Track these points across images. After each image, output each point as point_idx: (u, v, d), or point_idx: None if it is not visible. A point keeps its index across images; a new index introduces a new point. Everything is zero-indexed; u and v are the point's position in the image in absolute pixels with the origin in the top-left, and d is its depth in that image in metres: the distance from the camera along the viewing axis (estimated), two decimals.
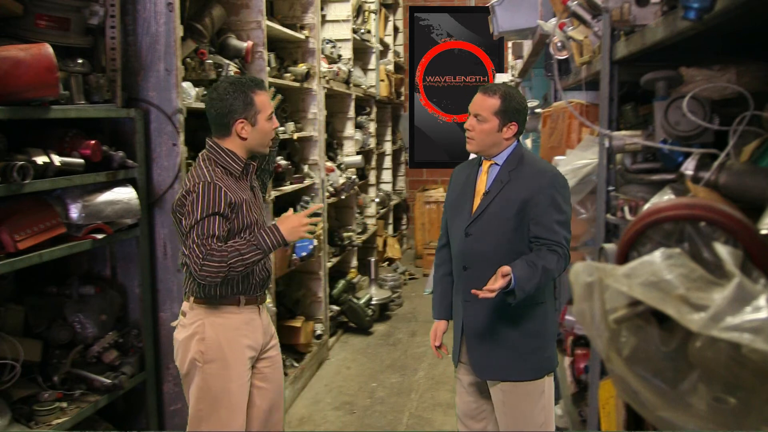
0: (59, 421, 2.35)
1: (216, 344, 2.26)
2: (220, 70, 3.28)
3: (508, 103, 2.29)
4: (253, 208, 2.33)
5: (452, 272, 2.48)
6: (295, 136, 4.32)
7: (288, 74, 4.24)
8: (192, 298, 2.30)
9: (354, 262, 5.90)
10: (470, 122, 2.33)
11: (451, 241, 2.46)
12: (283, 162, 4.14)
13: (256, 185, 2.44)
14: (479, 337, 2.36)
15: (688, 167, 1.44)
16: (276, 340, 2.52)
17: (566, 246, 2.24)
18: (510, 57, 5.96)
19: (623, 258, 0.98)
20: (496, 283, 2.08)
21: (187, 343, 2.28)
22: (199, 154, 2.33)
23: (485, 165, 2.38)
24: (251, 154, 2.35)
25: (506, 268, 2.09)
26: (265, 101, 2.28)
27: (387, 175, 8.11)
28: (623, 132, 1.92)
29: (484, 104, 2.30)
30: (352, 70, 5.60)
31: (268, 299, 3.61)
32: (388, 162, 8.09)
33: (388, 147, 8.03)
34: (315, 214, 2.42)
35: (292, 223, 2.24)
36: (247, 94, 2.23)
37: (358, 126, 6.30)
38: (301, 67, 4.42)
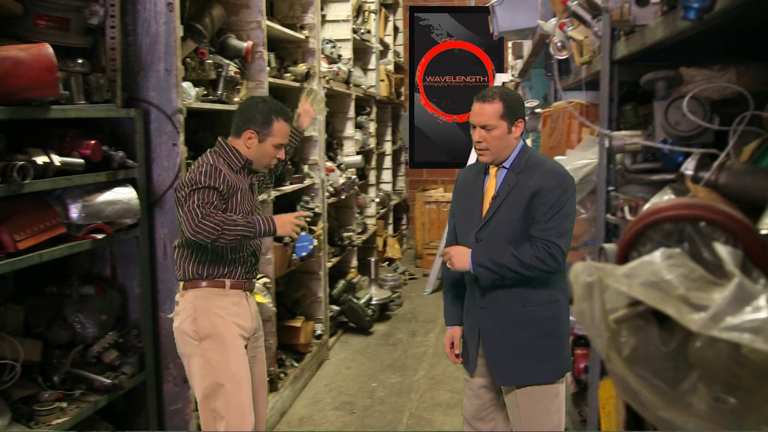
0: (59, 421, 2.35)
1: (207, 321, 2.41)
2: (220, 70, 3.28)
3: (510, 102, 2.27)
4: (247, 201, 2.50)
5: (463, 277, 2.46)
6: None
7: (288, 74, 4.24)
8: (181, 285, 2.48)
9: (354, 262, 5.90)
10: (479, 135, 2.27)
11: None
12: None
13: (255, 184, 2.61)
14: (498, 343, 2.34)
15: (688, 167, 1.44)
16: (262, 332, 2.68)
17: (557, 244, 2.19)
18: (510, 57, 5.96)
19: (623, 258, 0.98)
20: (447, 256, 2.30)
21: (182, 327, 2.44)
22: (207, 150, 2.53)
23: (493, 170, 2.35)
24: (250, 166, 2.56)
25: (446, 250, 2.34)
26: (282, 130, 2.49)
27: (387, 175, 8.11)
28: (623, 132, 1.92)
29: (488, 111, 2.25)
30: (352, 70, 5.60)
31: (269, 299, 3.62)
32: (388, 162, 8.08)
33: (388, 147, 8.03)
34: (309, 222, 2.62)
35: (283, 219, 2.43)
36: (270, 115, 2.47)
37: (358, 126, 6.30)
38: (301, 67, 4.42)
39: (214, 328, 2.40)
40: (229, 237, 2.29)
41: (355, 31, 5.92)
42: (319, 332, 4.70)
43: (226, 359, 2.40)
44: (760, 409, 0.77)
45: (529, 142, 4.29)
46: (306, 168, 4.61)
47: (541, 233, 2.21)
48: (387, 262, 7.46)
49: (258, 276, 2.70)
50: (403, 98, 8.44)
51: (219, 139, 2.52)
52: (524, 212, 2.23)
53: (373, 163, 7.03)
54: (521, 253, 2.20)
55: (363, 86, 6.18)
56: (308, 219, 2.74)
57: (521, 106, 2.32)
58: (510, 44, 5.74)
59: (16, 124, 2.24)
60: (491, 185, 2.34)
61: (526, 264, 2.19)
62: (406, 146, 8.75)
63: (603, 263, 0.91)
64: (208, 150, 2.51)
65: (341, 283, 5.37)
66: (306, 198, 4.62)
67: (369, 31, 6.51)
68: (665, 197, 1.41)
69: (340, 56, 5.47)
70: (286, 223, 2.43)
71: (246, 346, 2.52)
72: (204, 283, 2.44)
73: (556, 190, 2.22)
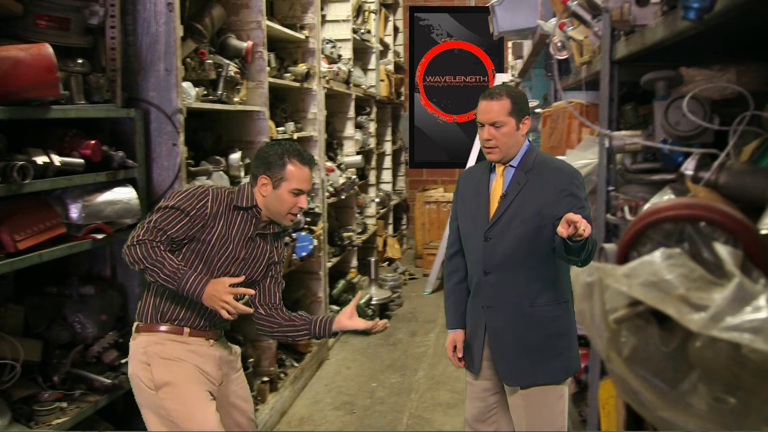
0: (59, 421, 2.35)
1: (163, 368, 2.17)
2: (220, 70, 3.28)
3: (516, 99, 2.26)
4: (236, 247, 2.24)
5: (465, 279, 2.44)
6: (295, 136, 4.32)
7: (288, 74, 4.24)
8: (135, 326, 2.27)
9: (354, 262, 5.90)
10: (488, 132, 2.25)
11: (466, 248, 2.41)
12: None
13: (258, 243, 2.31)
14: (505, 343, 2.31)
15: (688, 167, 1.44)
16: (238, 371, 2.42)
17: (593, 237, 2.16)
18: (510, 57, 5.97)
19: (623, 258, 0.98)
20: (579, 221, 1.91)
21: (135, 372, 2.20)
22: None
23: (499, 168, 2.33)
24: (269, 219, 2.30)
25: (572, 214, 1.94)
26: (297, 175, 2.22)
27: (387, 175, 8.11)
28: (623, 132, 1.92)
29: (496, 109, 2.24)
30: (352, 70, 5.60)
31: None
32: (388, 162, 8.09)
33: (388, 147, 8.03)
34: (246, 304, 2.26)
35: (216, 291, 2.07)
36: (283, 157, 2.22)
37: (358, 126, 6.31)
38: (301, 67, 4.42)
39: (171, 375, 2.15)
40: (150, 276, 2.07)
41: (355, 31, 5.92)
42: None
43: (187, 408, 2.14)
44: (760, 409, 0.77)
45: None
46: None
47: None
48: (387, 262, 7.45)
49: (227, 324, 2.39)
50: (403, 98, 8.44)
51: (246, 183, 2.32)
52: (537, 212, 2.21)
53: (373, 163, 7.03)
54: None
55: (363, 86, 6.18)
56: (248, 297, 2.32)
57: (527, 103, 2.32)
58: (510, 44, 5.75)
59: (16, 124, 2.24)
60: (498, 184, 2.33)
61: (595, 243, 2.10)
62: (406, 146, 8.75)
63: (603, 263, 0.91)
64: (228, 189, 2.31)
65: (341, 283, 5.37)
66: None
67: (369, 31, 6.51)
68: (665, 197, 1.41)
69: (340, 56, 5.47)
70: (214, 297, 2.06)
71: (214, 395, 2.26)
72: (162, 327, 2.21)
73: (570, 187, 2.22)
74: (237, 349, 2.47)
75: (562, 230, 1.93)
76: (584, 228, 1.91)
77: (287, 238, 4.02)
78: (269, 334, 2.46)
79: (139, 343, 2.22)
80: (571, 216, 1.92)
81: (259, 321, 2.41)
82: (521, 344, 2.29)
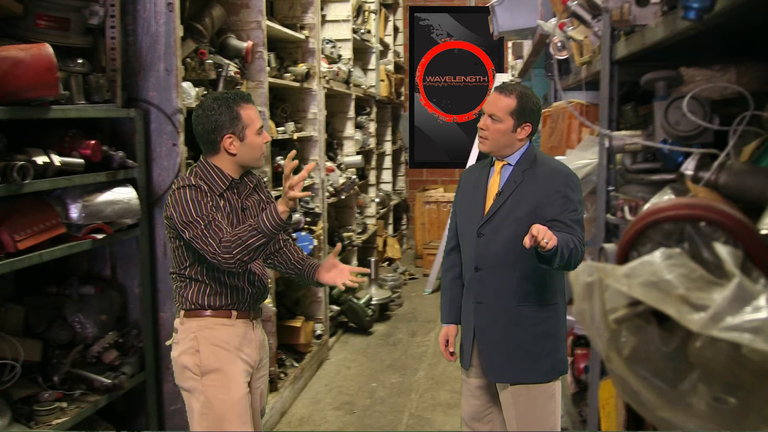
0: (59, 421, 2.35)
1: (212, 355, 2.19)
2: (220, 70, 3.28)
3: (524, 103, 2.26)
4: (237, 223, 2.23)
5: (461, 275, 2.46)
6: (295, 136, 4.32)
7: (288, 74, 4.24)
8: (182, 313, 2.24)
9: (354, 262, 5.89)
10: (485, 122, 2.29)
11: (461, 243, 2.43)
12: (283, 162, 4.14)
13: (250, 204, 2.31)
14: (491, 340, 2.33)
15: (688, 167, 1.44)
16: (267, 360, 2.45)
17: (583, 243, 2.18)
18: (510, 57, 5.96)
19: (623, 258, 0.98)
20: (542, 233, 1.94)
21: (182, 359, 2.22)
22: (186, 173, 2.29)
23: (497, 165, 2.35)
24: (245, 170, 2.27)
25: (538, 225, 1.98)
26: (252, 115, 2.19)
27: (387, 175, 8.11)
28: (623, 132, 1.92)
29: (500, 104, 2.27)
30: (352, 70, 5.60)
31: (268, 299, 3.62)
32: (388, 162, 8.09)
33: (388, 147, 8.03)
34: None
35: (283, 189, 2.06)
36: (232, 108, 2.15)
37: (358, 126, 6.30)
38: (301, 67, 4.42)
39: (218, 363, 2.18)
40: (245, 258, 2.04)
41: (355, 31, 5.92)
42: (319, 332, 4.70)
43: (229, 398, 2.18)
44: (760, 409, 0.77)
45: None
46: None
47: (565, 230, 2.17)
48: (387, 262, 7.45)
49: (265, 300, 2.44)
50: (403, 98, 8.44)
51: (201, 158, 2.25)
52: (530, 211, 2.23)
53: (373, 163, 7.03)
54: (575, 238, 2.12)
55: (363, 86, 6.17)
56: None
57: (535, 112, 2.30)
58: (510, 44, 5.75)
59: (16, 124, 2.24)
60: (495, 181, 2.34)
61: (581, 251, 2.11)
62: (406, 146, 8.75)
63: (603, 263, 0.91)
64: (188, 172, 2.25)
65: None
66: (306, 198, 4.62)
67: (369, 31, 6.51)
68: (665, 197, 1.41)
69: (340, 56, 5.47)
70: (284, 192, 2.04)
71: (249, 381, 2.31)
72: (208, 313, 2.21)
73: (564, 189, 2.23)
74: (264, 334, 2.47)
75: (526, 240, 1.97)
76: (547, 240, 1.94)
77: (287, 237, 4.01)
78: (277, 268, 2.51)
79: (188, 328, 2.22)
80: (533, 228, 1.96)
81: (272, 264, 2.49)
82: (506, 342, 2.30)
